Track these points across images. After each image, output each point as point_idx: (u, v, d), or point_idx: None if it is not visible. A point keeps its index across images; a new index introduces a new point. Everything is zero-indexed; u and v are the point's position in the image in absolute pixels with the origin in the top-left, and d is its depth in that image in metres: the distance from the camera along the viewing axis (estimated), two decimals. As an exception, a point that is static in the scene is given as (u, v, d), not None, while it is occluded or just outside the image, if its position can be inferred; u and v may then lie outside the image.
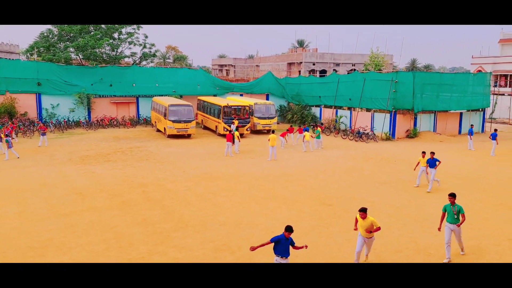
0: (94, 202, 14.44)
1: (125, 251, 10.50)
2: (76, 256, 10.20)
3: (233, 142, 23.13)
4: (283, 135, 25.58)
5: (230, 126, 28.00)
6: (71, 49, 40.17)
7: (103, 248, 10.69)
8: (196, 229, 12.07)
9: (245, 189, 16.30)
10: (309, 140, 24.63)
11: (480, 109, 34.77)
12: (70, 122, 33.24)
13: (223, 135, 28.31)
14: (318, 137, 25.67)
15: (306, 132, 24.93)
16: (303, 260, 10.09)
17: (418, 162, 16.99)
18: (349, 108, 33.45)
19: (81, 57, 41.64)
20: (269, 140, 22.06)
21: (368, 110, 31.66)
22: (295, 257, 10.27)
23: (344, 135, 30.76)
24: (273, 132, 23.30)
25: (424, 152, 17.16)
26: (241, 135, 29.42)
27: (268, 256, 10.24)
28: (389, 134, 29.79)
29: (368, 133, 29.41)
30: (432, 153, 16.95)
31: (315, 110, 37.39)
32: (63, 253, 10.33)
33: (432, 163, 16.62)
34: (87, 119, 34.25)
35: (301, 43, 73.40)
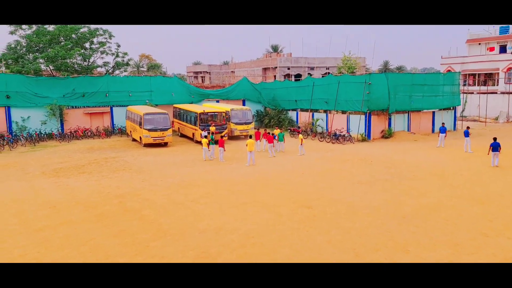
0: (69, 215, 14.06)
1: (102, 264, 10.21)
2: (51, 271, 9.87)
3: (223, 148, 23.08)
4: (270, 141, 24.84)
5: (207, 134, 27.03)
6: (41, 60, 39.27)
7: (79, 261, 10.38)
8: (176, 237, 11.89)
9: (224, 195, 16.21)
10: (302, 144, 24.64)
11: (452, 108, 35.71)
12: (42, 135, 32.43)
13: (201, 142, 28.02)
14: (280, 139, 25.41)
15: (300, 135, 25.04)
16: (284, 262, 10.06)
17: None
18: (325, 111, 33.84)
19: (51, 68, 40.78)
20: (246, 145, 22.08)
21: (343, 112, 32.11)
22: (273, 261, 10.26)
23: (321, 137, 31.08)
24: (250, 137, 23.29)
25: None
26: (216, 142, 29.33)
27: (249, 257, 10.20)
28: (365, 135, 30.26)
29: (344, 135, 29.79)
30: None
31: (292, 114, 37.69)
32: (37, 269, 9.98)
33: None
34: (60, 131, 33.49)
35: (275, 48, 73.98)
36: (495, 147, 20.21)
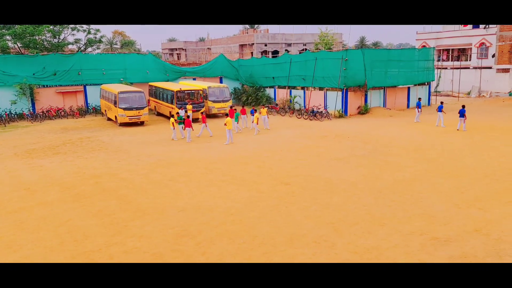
0: (44, 196, 13.83)
1: (80, 244, 10.16)
2: (28, 253, 9.75)
3: (192, 127, 22.67)
4: (243, 113, 26.30)
5: (184, 113, 26.51)
6: (8, 37, 37.72)
7: (57, 243, 10.28)
8: (155, 216, 11.88)
9: (203, 174, 16.19)
10: (257, 123, 24.39)
11: (426, 83, 36.29)
12: (13, 115, 31.45)
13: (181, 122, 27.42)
14: (236, 119, 24.71)
15: (256, 114, 24.63)
16: (265, 239, 10.22)
17: None
18: (303, 88, 33.91)
19: (19, 45, 39.26)
20: (225, 124, 21.91)
21: (321, 89, 32.25)
22: (253, 238, 10.38)
23: (299, 114, 31.22)
24: (227, 115, 23.09)
25: None
26: (196, 120, 29.03)
27: (232, 240, 10.30)
28: (342, 112, 30.56)
29: (322, 111, 30.00)
30: None
31: (270, 91, 37.64)
32: (13, 251, 9.84)
33: None
34: (31, 110, 32.51)
35: (252, 24, 73.02)
36: (461, 113, 23.74)
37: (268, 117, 26.38)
